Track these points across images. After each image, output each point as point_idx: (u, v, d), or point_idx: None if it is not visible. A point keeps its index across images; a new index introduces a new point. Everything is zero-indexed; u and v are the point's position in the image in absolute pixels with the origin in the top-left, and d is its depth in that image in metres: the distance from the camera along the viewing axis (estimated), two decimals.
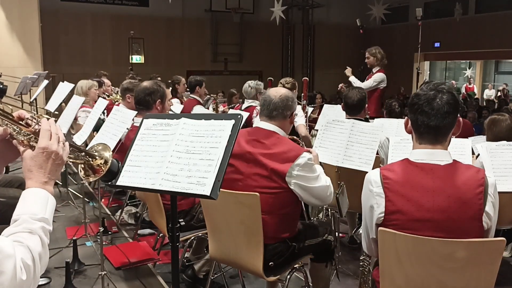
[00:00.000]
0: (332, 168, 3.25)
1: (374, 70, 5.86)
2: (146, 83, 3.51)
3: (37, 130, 1.29)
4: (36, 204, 1.20)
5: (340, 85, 5.89)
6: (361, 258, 2.69)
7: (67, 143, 1.32)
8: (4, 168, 1.44)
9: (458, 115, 1.81)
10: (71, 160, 1.40)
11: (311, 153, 2.43)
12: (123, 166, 1.81)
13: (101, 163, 1.46)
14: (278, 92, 2.44)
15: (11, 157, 1.38)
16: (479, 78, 19.29)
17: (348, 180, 3.06)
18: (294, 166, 2.27)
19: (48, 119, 1.32)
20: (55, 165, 1.26)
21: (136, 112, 3.24)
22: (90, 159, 1.46)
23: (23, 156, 1.26)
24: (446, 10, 14.81)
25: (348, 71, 5.99)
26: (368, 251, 2.02)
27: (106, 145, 1.50)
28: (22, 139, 1.29)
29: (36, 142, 1.26)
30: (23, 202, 1.20)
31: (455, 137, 2.92)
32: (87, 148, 1.54)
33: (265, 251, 2.31)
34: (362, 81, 6.13)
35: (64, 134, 1.34)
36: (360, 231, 2.29)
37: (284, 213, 2.37)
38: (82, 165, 1.46)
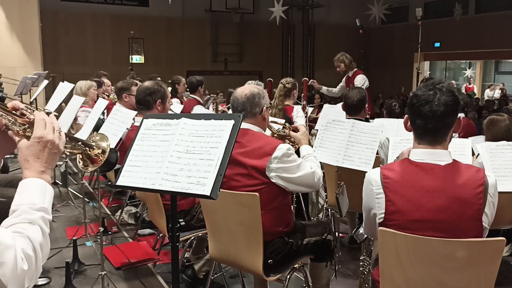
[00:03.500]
0: (332, 168, 3.25)
1: (350, 75, 6.11)
2: (147, 83, 3.51)
3: (32, 120, 1.28)
4: (34, 194, 1.19)
5: (311, 81, 6.20)
6: (361, 258, 2.70)
7: (63, 133, 1.31)
8: (2, 160, 1.43)
9: (461, 114, 1.80)
10: (68, 150, 1.39)
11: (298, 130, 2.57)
12: (123, 166, 1.81)
13: (98, 153, 1.45)
14: (243, 91, 2.45)
15: (8, 148, 1.36)
16: (479, 78, 19.28)
17: (348, 180, 3.06)
18: (272, 160, 2.28)
19: (42, 110, 1.31)
20: (52, 154, 1.25)
21: (136, 112, 3.24)
22: (88, 149, 1.46)
23: (18, 146, 1.25)
24: (446, 10, 14.81)
25: (316, 84, 6.29)
26: (369, 234, 2.01)
27: (103, 135, 1.49)
28: (18, 129, 1.27)
29: (32, 132, 1.25)
30: (21, 193, 1.20)
31: (458, 137, 2.92)
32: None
33: (263, 248, 2.31)
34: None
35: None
36: (360, 231, 2.28)
37: (274, 207, 2.37)
38: (80, 155, 1.45)
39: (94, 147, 1.46)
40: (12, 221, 1.14)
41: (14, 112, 1.30)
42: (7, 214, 1.18)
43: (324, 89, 6.42)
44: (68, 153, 1.40)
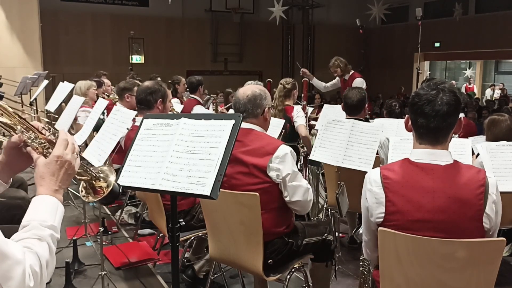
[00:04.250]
0: (332, 168, 3.25)
1: (346, 78, 6.07)
2: (147, 83, 3.52)
3: (51, 139, 1.30)
4: (46, 211, 1.21)
5: (302, 69, 6.19)
6: (361, 258, 2.69)
7: (79, 157, 1.33)
8: (11, 178, 1.45)
9: (461, 114, 1.80)
10: (78, 175, 1.39)
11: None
12: (123, 166, 1.81)
13: (103, 186, 1.44)
14: (245, 92, 2.45)
15: (21, 166, 1.39)
16: (479, 78, 19.28)
17: (348, 180, 3.06)
18: (273, 159, 2.29)
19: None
20: (67, 174, 1.27)
21: (136, 112, 3.24)
22: (95, 178, 1.45)
23: (36, 163, 1.27)
24: (446, 10, 14.81)
25: (308, 73, 6.21)
26: (368, 256, 2.01)
27: (111, 169, 1.49)
28: (37, 146, 1.29)
29: (50, 151, 1.27)
30: (33, 208, 1.21)
31: (458, 137, 2.92)
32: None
33: (263, 248, 2.31)
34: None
35: None
36: (360, 231, 2.28)
37: (274, 208, 2.37)
38: (85, 184, 1.45)
39: (101, 179, 1.45)
40: (22, 235, 1.15)
41: (37, 128, 1.32)
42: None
43: (314, 80, 6.38)
44: (77, 177, 1.40)
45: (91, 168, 1.45)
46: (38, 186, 1.25)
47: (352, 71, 6.11)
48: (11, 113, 1.33)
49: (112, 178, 1.45)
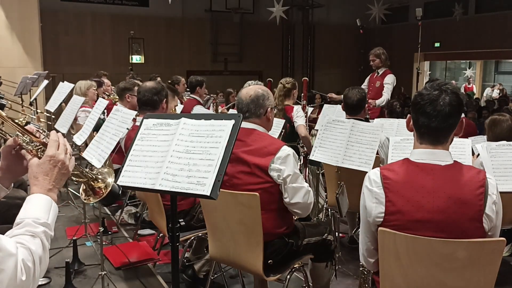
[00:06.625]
0: (332, 168, 3.25)
1: (379, 72, 5.85)
2: (149, 84, 3.50)
3: (46, 142, 1.33)
4: (39, 209, 1.22)
5: (329, 94, 5.94)
6: None
7: (73, 157, 1.36)
8: (12, 183, 1.47)
9: (462, 115, 1.80)
10: (74, 177, 1.43)
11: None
12: (123, 166, 1.81)
13: (101, 186, 1.47)
14: (248, 93, 2.47)
15: (21, 171, 1.41)
16: (479, 78, 19.27)
17: (348, 180, 3.06)
18: (275, 160, 2.29)
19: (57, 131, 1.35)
20: (61, 174, 1.29)
21: (137, 111, 3.23)
22: (93, 179, 1.48)
23: (29, 163, 1.29)
24: (446, 10, 14.80)
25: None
26: (366, 263, 2.00)
27: (111, 170, 1.52)
28: (31, 149, 1.32)
29: (44, 153, 1.30)
30: (27, 206, 1.22)
31: (458, 137, 2.92)
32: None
33: (263, 248, 2.31)
34: (362, 81, 6.16)
35: (63, 134, 1.35)
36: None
37: (275, 208, 2.37)
38: (84, 186, 1.48)
39: (99, 180, 1.48)
40: (16, 232, 1.16)
41: (30, 132, 1.35)
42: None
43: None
44: (74, 179, 1.43)
45: (89, 171, 1.47)
46: (32, 186, 1.27)
47: (387, 68, 5.88)
48: (4, 118, 1.34)
49: (110, 179, 1.48)
